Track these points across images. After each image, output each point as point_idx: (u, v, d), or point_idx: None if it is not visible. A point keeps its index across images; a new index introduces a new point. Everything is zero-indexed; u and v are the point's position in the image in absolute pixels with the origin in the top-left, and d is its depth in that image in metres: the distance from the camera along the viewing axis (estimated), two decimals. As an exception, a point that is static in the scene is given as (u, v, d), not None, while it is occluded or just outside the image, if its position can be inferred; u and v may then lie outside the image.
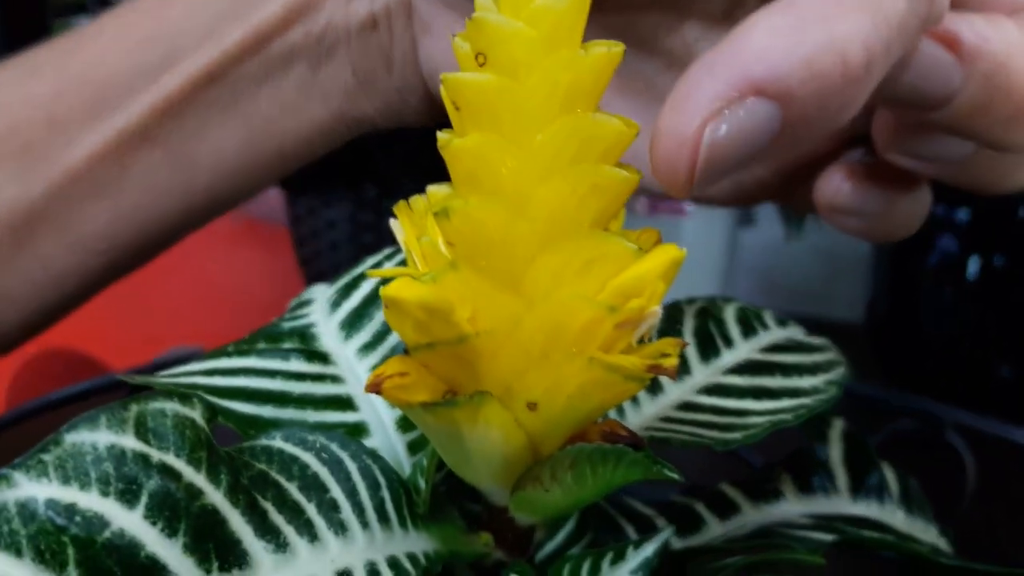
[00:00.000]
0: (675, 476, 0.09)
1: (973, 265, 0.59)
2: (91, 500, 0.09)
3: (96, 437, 0.09)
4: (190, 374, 0.13)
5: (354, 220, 0.80)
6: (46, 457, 0.09)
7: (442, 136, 0.10)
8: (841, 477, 0.17)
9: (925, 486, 0.24)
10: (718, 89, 0.09)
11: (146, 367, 0.48)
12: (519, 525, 0.12)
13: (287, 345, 0.14)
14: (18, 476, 0.09)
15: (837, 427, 0.18)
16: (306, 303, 0.16)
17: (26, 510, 0.09)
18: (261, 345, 0.14)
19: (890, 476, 0.18)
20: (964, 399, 0.36)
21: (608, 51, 0.09)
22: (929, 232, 0.59)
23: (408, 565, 0.11)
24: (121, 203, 0.20)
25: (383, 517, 0.11)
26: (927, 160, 0.13)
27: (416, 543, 0.11)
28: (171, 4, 0.19)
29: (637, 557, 0.11)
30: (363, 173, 0.32)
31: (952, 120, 0.12)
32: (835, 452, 0.17)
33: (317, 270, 0.85)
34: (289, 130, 0.19)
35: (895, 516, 0.16)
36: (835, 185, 0.14)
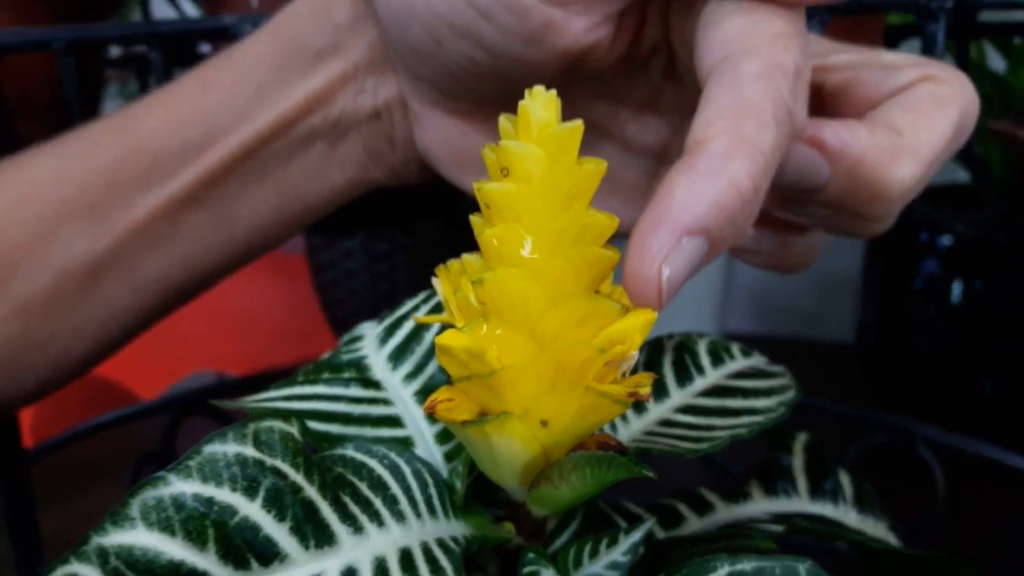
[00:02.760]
0: (650, 475, 0.13)
1: (956, 289, 0.62)
2: (224, 494, 0.12)
3: (226, 448, 0.13)
4: (272, 400, 0.17)
5: (367, 250, 0.84)
6: (190, 463, 0.13)
7: (476, 222, 0.14)
8: (801, 482, 0.20)
9: (897, 496, 0.27)
10: (662, 242, 0.12)
11: (169, 391, 0.51)
12: (535, 516, 0.15)
13: (346, 375, 0.17)
14: (171, 477, 0.13)
15: (800, 440, 0.21)
16: (357, 339, 0.19)
17: (177, 502, 0.12)
18: (326, 375, 0.18)
19: (845, 481, 0.21)
20: (949, 416, 0.39)
21: (595, 167, 0.13)
22: (915, 257, 0.62)
23: (452, 545, 0.14)
24: (173, 254, 0.24)
25: (431, 509, 0.14)
26: (804, 217, 0.17)
27: (456, 529, 0.14)
28: (209, 89, 0.23)
29: (627, 541, 0.15)
30: (383, 214, 0.35)
31: (826, 200, 0.15)
32: (797, 461, 0.20)
33: (333, 297, 0.88)
34: (312, 193, 0.23)
35: (848, 515, 0.20)
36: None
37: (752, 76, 0.13)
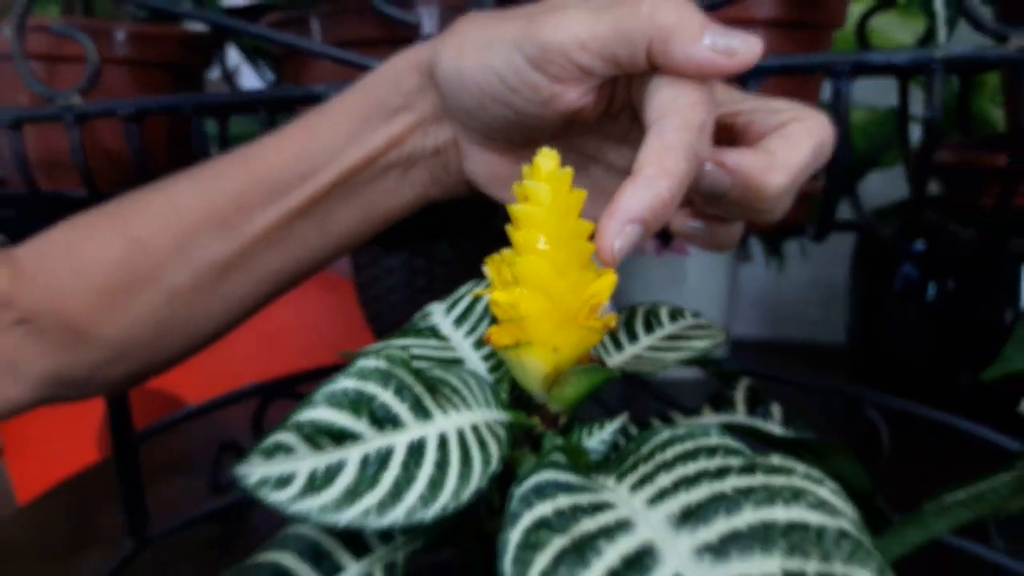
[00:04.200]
0: (616, 374, 0.22)
1: (931, 289, 0.70)
2: (370, 387, 0.22)
3: (370, 362, 0.22)
4: (385, 348, 0.26)
5: (409, 266, 0.94)
6: (351, 370, 0.22)
7: (509, 229, 0.23)
8: (741, 407, 0.28)
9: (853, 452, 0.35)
10: (615, 228, 0.21)
11: (220, 398, 0.60)
12: (552, 412, 0.24)
13: (425, 334, 0.27)
14: (339, 377, 0.22)
15: (744, 382, 0.30)
16: (428, 314, 0.28)
17: (344, 391, 0.21)
18: (411, 336, 0.27)
19: (776, 410, 0.29)
20: (929, 403, 0.46)
21: (579, 194, 0.22)
22: (892, 262, 0.70)
23: (499, 428, 0.23)
24: (285, 253, 0.33)
25: (487, 403, 0.23)
26: (722, 211, 0.26)
27: (502, 417, 0.23)
28: (313, 135, 0.32)
29: (611, 427, 0.24)
30: (440, 231, 0.44)
31: (731, 200, 0.24)
32: (739, 395, 0.29)
33: (376, 310, 0.98)
34: (389, 207, 0.33)
35: (774, 428, 0.28)
36: (687, 223, 0.26)
37: (672, 129, 0.23)
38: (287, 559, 0.24)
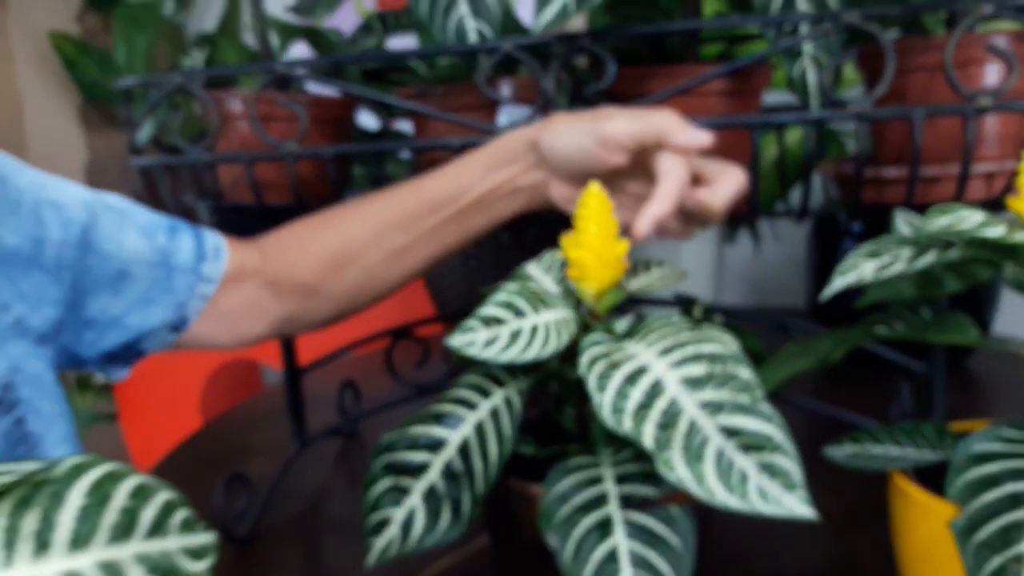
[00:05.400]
0: (628, 293, 0.45)
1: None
2: (512, 297, 0.45)
3: (510, 286, 0.45)
4: (511, 283, 0.49)
5: (462, 251, 1.16)
6: (504, 289, 0.45)
7: (575, 219, 0.46)
8: (697, 314, 0.51)
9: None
10: (645, 223, 0.45)
11: (357, 341, 0.84)
12: (597, 312, 0.47)
13: (525, 279, 0.49)
14: (499, 293, 0.45)
15: (700, 306, 0.53)
16: (525, 268, 0.51)
17: (500, 299, 0.44)
18: (518, 281, 0.50)
19: (717, 318, 0.52)
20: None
21: (610, 204, 0.45)
22: (836, 239, 0.93)
23: (570, 320, 0.46)
24: (440, 242, 0.57)
25: (564, 307, 0.46)
26: (693, 219, 0.49)
27: (571, 315, 0.46)
28: (458, 174, 0.55)
29: (627, 319, 0.47)
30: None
31: (697, 214, 0.48)
32: (697, 311, 0.52)
33: (437, 285, 1.21)
34: (502, 216, 0.56)
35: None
36: (672, 222, 0.50)
37: (672, 179, 0.46)
38: (462, 392, 0.47)
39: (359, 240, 0.56)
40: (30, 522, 0.26)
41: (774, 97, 0.68)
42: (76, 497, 0.27)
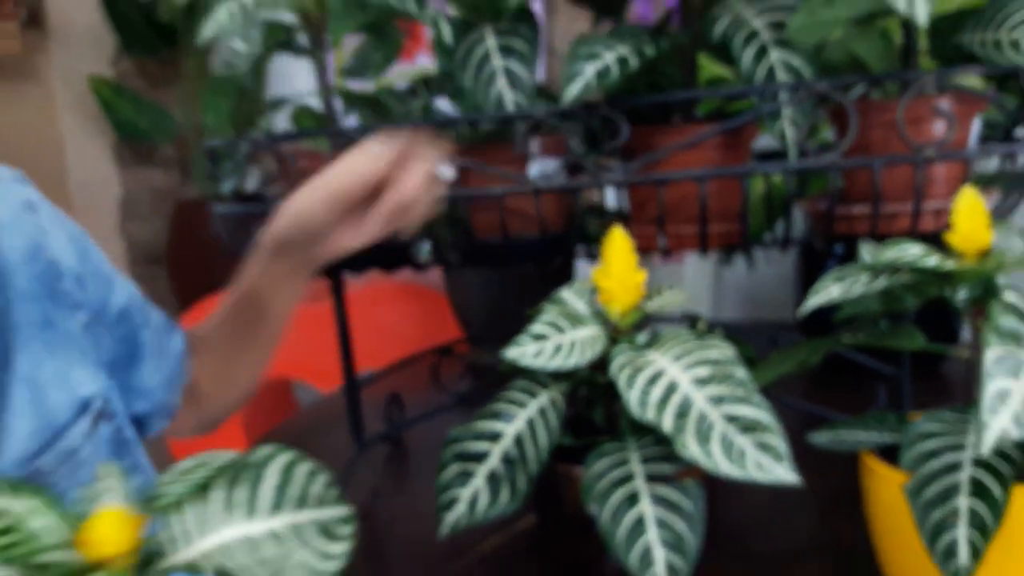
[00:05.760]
0: (645, 313, 0.56)
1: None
2: (554, 318, 0.56)
3: (552, 307, 0.56)
4: (551, 307, 0.60)
5: (488, 282, 1.28)
6: (547, 309, 0.56)
7: (603, 256, 0.57)
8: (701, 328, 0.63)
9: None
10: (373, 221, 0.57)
11: (403, 360, 0.97)
12: (623, 329, 0.58)
13: (561, 303, 0.61)
14: (544, 314, 0.56)
15: (703, 322, 0.64)
16: (561, 295, 0.63)
17: (545, 318, 0.56)
18: (555, 303, 0.61)
19: (718, 331, 0.63)
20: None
21: (630, 244, 0.57)
22: (821, 260, 1.04)
23: (600, 336, 0.57)
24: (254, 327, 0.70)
25: (593, 325, 0.58)
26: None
27: (600, 332, 0.58)
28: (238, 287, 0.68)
29: (645, 334, 0.58)
30: (528, 257, 0.79)
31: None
32: (700, 325, 0.63)
33: (464, 310, 1.33)
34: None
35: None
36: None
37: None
38: (514, 394, 0.59)
39: (208, 333, 0.70)
40: (241, 493, 0.37)
41: (765, 140, 0.80)
42: (271, 476, 0.38)
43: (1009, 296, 0.46)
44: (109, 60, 1.97)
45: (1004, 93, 0.70)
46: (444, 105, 0.84)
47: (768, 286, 1.18)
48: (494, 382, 0.63)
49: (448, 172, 0.63)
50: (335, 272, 0.83)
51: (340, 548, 0.39)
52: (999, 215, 0.70)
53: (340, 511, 0.39)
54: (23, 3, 1.73)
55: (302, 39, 0.78)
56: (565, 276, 0.99)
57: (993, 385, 0.43)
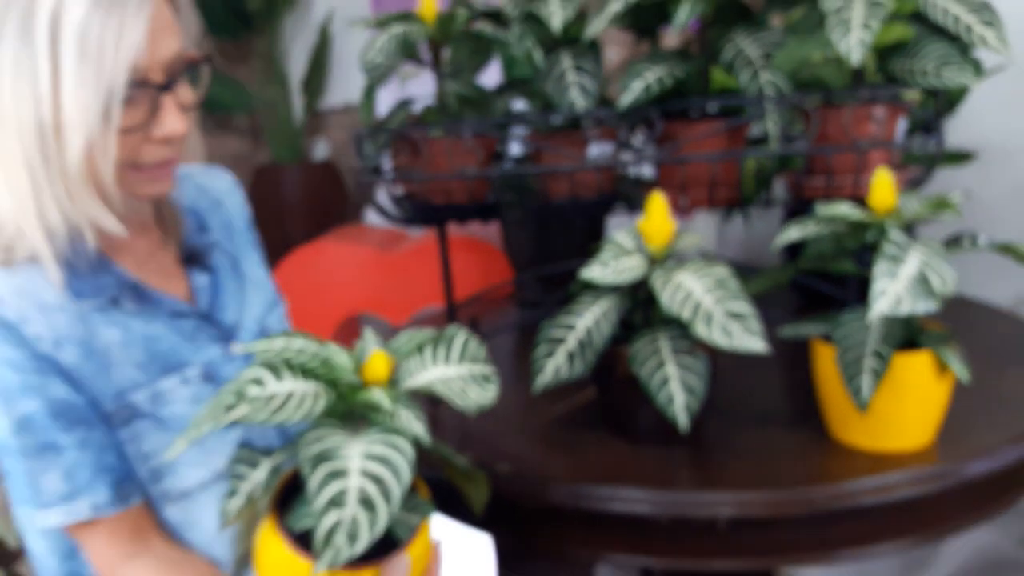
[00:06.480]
0: (675, 244, 0.87)
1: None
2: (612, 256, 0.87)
3: (610, 243, 0.87)
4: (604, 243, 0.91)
5: (536, 236, 1.59)
6: (605, 247, 0.87)
7: (648, 206, 0.88)
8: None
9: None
10: None
11: (411, 320, 1.31)
12: (658, 258, 0.89)
13: (615, 242, 0.91)
14: (600, 254, 0.87)
15: (710, 254, 0.95)
16: (614, 237, 0.93)
17: (602, 257, 0.87)
18: (610, 244, 0.92)
19: (722, 264, 0.94)
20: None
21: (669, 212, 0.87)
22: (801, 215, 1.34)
23: (643, 264, 0.88)
24: None
25: (639, 254, 0.88)
26: None
27: (643, 260, 0.89)
28: None
29: (673, 262, 0.89)
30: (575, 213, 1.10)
31: None
32: (707, 257, 0.94)
33: (516, 258, 1.65)
34: None
35: (720, 269, 0.93)
36: None
37: None
38: (584, 300, 0.90)
39: None
40: (441, 352, 0.68)
41: (757, 129, 1.10)
42: (457, 343, 0.69)
43: (893, 235, 0.77)
44: (195, 41, 2.25)
45: (927, 101, 1.00)
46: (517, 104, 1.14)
47: (761, 235, 1.48)
48: (548, 306, 0.94)
49: None
50: (441, 221, 1.14)
51: (492, 390, 0.69)
52: (915, 184, 1.01)
53: (489, 368, 0.70)
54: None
55: (423, 52, 1.08)
56: (597, 232, 1.30)
57: (877, 285, 0.74)
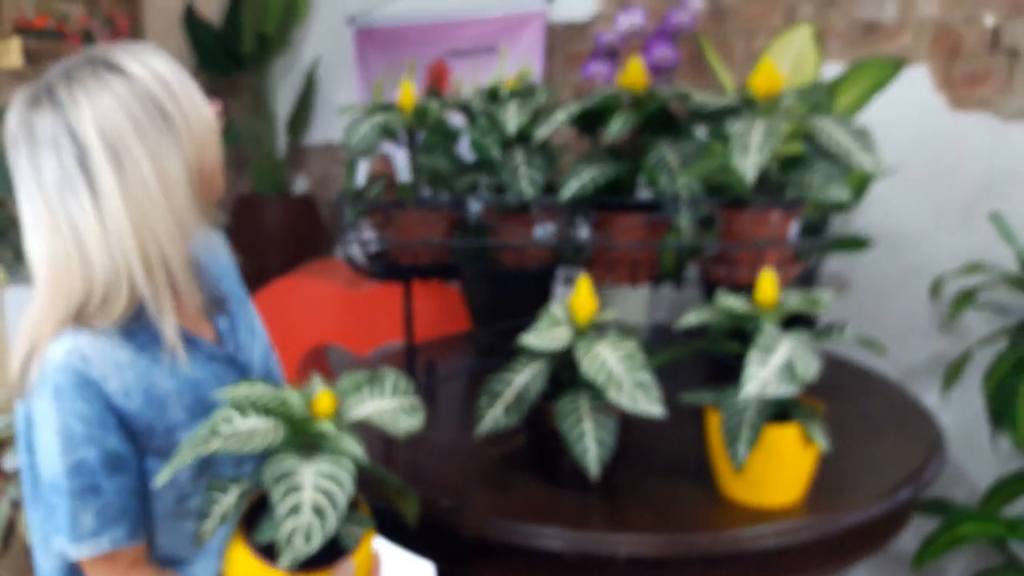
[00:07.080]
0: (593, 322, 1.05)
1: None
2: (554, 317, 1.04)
3: (554, 309, 1.05)
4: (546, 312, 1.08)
5: (492, 290, 1.75)
6: (547, 313, 1.05)
7: (577, 286, 1.06)
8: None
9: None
10: None
11: (374, 354, 1.50)
12: (583, 330, 1.07)
13: (549, 313, 1.09)
14: (550, 310, 1.05)
15: (629, 326, 1.13)
16: (550, 309, 1.11)
17: (548, 313, 1.04)
18: (545, 315, 1.09)
19: (633, 338, 1.12)
20: None
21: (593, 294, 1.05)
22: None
23: (570, 334, 1.05)
24: None
25: (568, 325, 1.06)
26: None
27: (570, 330, 1.06)
28: None
29: (595, 333, 1.07)
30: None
31: None
32: (624, 330, 1.12)
33: (474, 305, 1.83)
34: None
35: (636, 340, 1.11)
36: None
37: None
38: (520, 361, 1.07)
39: None
40: (376, 389, 0.86)
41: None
42: (389, 381, 0.86)
43: (767, 329, 0.96)
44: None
45: (818, 207, 1.20)
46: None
47: (687, 301, 1.68)
48: (499, 354, 1.11)
49: None
50: (407, 278, 1.31)
51: (419, 417, 0.86)
52: (806, 274, 1.20)
53: (416, 400, 0.87)
54: (126, 35, 2.17)
55: (400, 135, 1.25)
56: (544, 290, 1.48)
57: (748, 371, 0.92)
